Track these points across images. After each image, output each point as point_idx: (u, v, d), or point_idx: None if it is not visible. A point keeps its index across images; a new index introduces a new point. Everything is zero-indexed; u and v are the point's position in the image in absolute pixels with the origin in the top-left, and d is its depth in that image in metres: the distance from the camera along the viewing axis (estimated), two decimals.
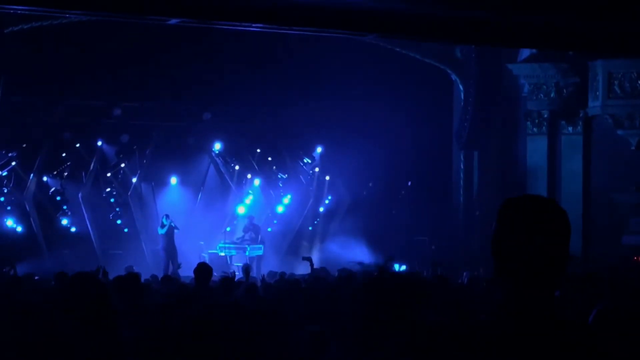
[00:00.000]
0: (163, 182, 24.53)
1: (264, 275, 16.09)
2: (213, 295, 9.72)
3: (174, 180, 24.51)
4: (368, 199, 24.13)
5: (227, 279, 11.40)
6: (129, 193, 23.88)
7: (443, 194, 24.53)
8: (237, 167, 25.02)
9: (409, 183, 24.96)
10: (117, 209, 23.98)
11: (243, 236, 23.70)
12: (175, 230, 22.60)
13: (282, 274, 16.77)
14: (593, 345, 2.80)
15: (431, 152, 24.67)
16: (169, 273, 19.37)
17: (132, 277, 8.47)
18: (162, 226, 22.61)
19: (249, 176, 25.10)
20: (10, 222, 22.58)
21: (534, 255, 2.78)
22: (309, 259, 16.69)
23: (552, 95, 22.34)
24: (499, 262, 2.84)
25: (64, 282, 9.46)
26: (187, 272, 19.79)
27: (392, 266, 20.16)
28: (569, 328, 2.79)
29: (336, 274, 15.10)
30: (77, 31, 19.82)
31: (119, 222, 23.98)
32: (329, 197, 25.61)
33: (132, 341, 5.57)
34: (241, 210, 24.72)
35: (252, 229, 23.80)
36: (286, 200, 25.21)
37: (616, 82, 21.33)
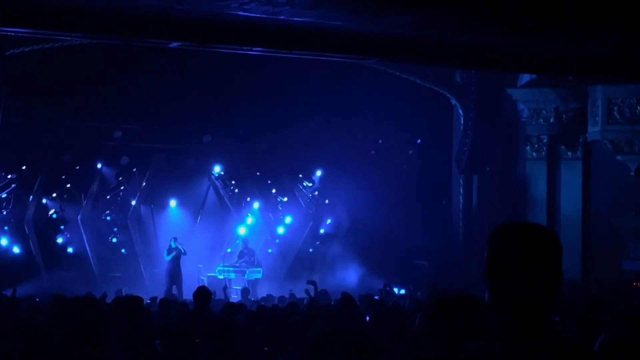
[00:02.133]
0: (162, 205, 24.51)
1: (258, 300, 16.08)
2: (212, 320, 9.68)
3: (173, 202, 24.50)
4: (367, 222, 24.10)
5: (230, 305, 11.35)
6: (128, 215, 23.86)
7: (442, 218, 24.52)
8: (236, 190, 25.01)
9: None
10: (116, 231, 23.94)
11: (239, 261, 23.62)
12: (182, 255, 22.53)
13: (282, 298, 16.74)
14: None
15: (431, 176, 24.68)
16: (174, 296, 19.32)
17: (132, 300, 8.45)
18: (170, 251, 22.49)
19: (248, 199, 25.10)
20: (8, 243, 22.55)
21: (526, 281, 2.80)
22: (314, 283, 16.67)
23: (551, 120, 22.37)
24: (492, 289, 2.86)
25: (61, 305, 9.44)
26: (186, 295, 19.76)
27: (392, 290, 20.12)
28: (568, 353, 2.78)
29: (336, 297, 15.06)
30: (77, 54, 19.87)
31: (116, 242, 23.94)
32: (329, 221, 25.58)
33: None
34: (242, 231, 24.66)
35: (247, 252, 23.75)
36: (287, 220, 25.18)
37: (615, 108, 21.37)
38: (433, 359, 2.89)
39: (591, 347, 4.39)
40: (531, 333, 2.78)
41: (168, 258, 22.52)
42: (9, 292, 15.83)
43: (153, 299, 15.64)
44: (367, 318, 11.02)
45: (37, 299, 15.73)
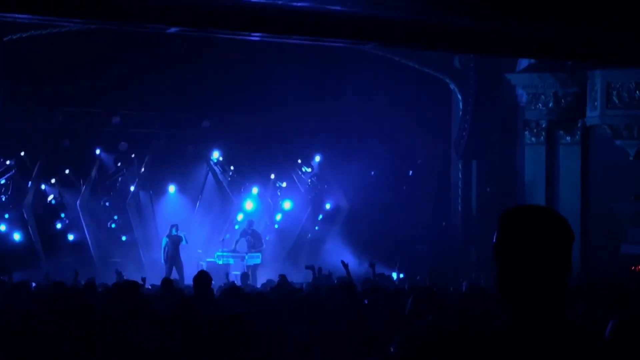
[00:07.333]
0: (161, 191, 24.52)
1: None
2: (213, 305, 9.69)
3: (172, 188, 24.50)
4: (366, 207, 24.12)
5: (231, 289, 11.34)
6: (127, 201, 23.87)
7: (441, 204, 24.52)
8: (235, 176, 25.02)
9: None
10: (115, 217, 23.95)
11: (239, 240, 23.57)
12: (182, 243, 22.46)
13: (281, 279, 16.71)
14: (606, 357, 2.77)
15: (429, 162, 24.67)
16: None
17: (129, 285, 8.45)
18: (169, 236, 22.41)
19: (247, 185, 25.09)
20: (7, 229, 22.56)
21: (536, 265, 2.76)
22: (312, 268, 16.61)
23: (550, 105, 22.35)
24: (501, 273, 2.80)
25: (55, 295, 9.45)
26: (187, 280, 19.76)
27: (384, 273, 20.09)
28: (577, 340, 2.75)
29: (335, 282, 15.08)
30: (75, 40, 19.83)
31: (115, 228, 23.94)
32: (328, 206, 25.59)
33: (124, 348, 5.55)
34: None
35: (251, 233, 23.68)
36: (287, 204, 25.19)
37: (614, 93, 21.34)
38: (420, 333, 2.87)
39: (596, 332, 4.39)
40: (538, 320, 2.75)
41: (163, 243, 22.49)
42: (5, 279, 15.83)
43: (153, 286, 15.61)
44: (365, 301, 11.03)
45: (34, 284, 15.72)
